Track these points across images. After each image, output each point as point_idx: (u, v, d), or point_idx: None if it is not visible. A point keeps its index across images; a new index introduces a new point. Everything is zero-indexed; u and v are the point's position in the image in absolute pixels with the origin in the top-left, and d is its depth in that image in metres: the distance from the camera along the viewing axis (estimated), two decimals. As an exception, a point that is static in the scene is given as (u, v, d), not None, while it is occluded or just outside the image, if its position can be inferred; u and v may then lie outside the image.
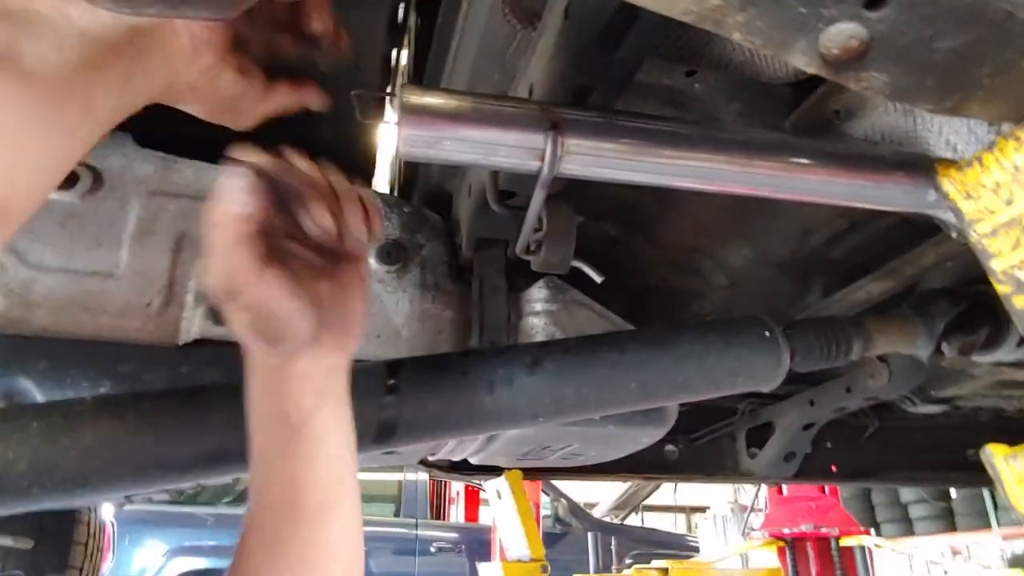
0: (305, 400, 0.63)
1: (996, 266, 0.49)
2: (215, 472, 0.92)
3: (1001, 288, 0.49)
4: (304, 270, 0.62)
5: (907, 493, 7.07)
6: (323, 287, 0.64)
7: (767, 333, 1.13)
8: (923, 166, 0.93)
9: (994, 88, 0.44)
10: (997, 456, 0.46)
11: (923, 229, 1.27)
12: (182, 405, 0.90)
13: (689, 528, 10.99)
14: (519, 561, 2.26)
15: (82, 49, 0.45)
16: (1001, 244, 0.49)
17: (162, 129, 1.23)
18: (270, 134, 0.92)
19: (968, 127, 0.85)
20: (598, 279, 1.08)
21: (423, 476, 6.80)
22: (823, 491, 4.27)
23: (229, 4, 0.38)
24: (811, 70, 0.44)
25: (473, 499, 8.27)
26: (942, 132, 1.02)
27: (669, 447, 2.06)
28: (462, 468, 1.75)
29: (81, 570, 1.89)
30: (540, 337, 1.26)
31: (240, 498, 5.99)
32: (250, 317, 0.60)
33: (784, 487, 4.39)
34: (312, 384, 0.64)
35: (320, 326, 0.63)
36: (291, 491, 0.63)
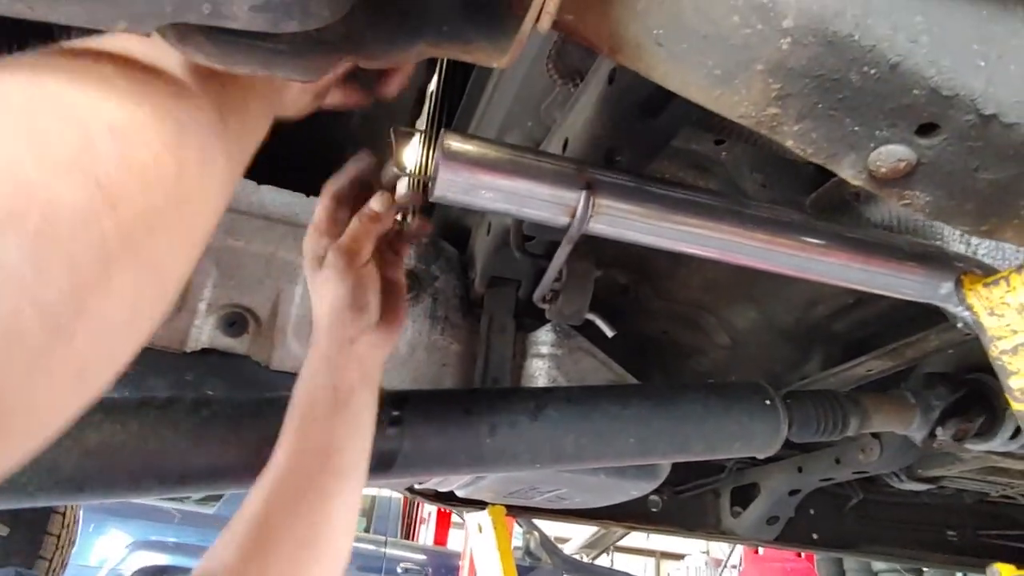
0: (354, 377, 0.76)
1: (1014, 384, 0.51)
2: (210, 487, 0.92)
3: (1017, 405, 0.51)
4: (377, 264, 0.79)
5: (880, 563, 7.02)
6: (383, 283, 0.80)
7: (768, 401, 1.14)
8: (938, 259, 0.95)
9: (1030, 218, 0.46)
10: (1004, 576, 0.46)
11: (926, 311, 1.29)
12: (185, 417, 0.91)
13: (658, 573, 10.87)
14: (492, 597, 2.25)
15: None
16: (1021, 363, 0.50)
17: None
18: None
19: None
20: (610, 333, 1.10)
21: (397, 493, 6.73)
22: (799, 555, 4.25)
23: (315, 69, 0.40)
24: (856, 183, 0.46)
25: (444, 522, 8.19)
26: (958, 226, 1.04)
27: (653, 497, 2.06)
28: (447, 498, 1.74)
29: (51, 561, 1.86)
30: (542, 380, 1.27)
31: (209, 497, 5.90)
32: (353, 284, 0.74)
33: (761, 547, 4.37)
34: (363, 365, 0.77)
35: (379, 316, 0.79)
36: (324, 455, 0.73)
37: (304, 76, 0.40)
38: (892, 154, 0.43)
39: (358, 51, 0.41)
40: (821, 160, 0.45)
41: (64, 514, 2.01)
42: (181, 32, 0.38)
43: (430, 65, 1.45)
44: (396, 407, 0.97)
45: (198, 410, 0.91)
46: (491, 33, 0.39)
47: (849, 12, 0.39)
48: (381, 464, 0.97)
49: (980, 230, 0.48)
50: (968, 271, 0.62)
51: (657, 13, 0.41)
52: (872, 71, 0.40)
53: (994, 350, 0.52)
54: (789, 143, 0.45)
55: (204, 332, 1.11)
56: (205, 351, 1.11)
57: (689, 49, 0.42)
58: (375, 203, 0.74)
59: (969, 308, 0.54)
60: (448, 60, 1.50)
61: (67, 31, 0.38)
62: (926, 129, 0.42)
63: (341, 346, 0.75)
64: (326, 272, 0.74)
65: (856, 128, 0.42)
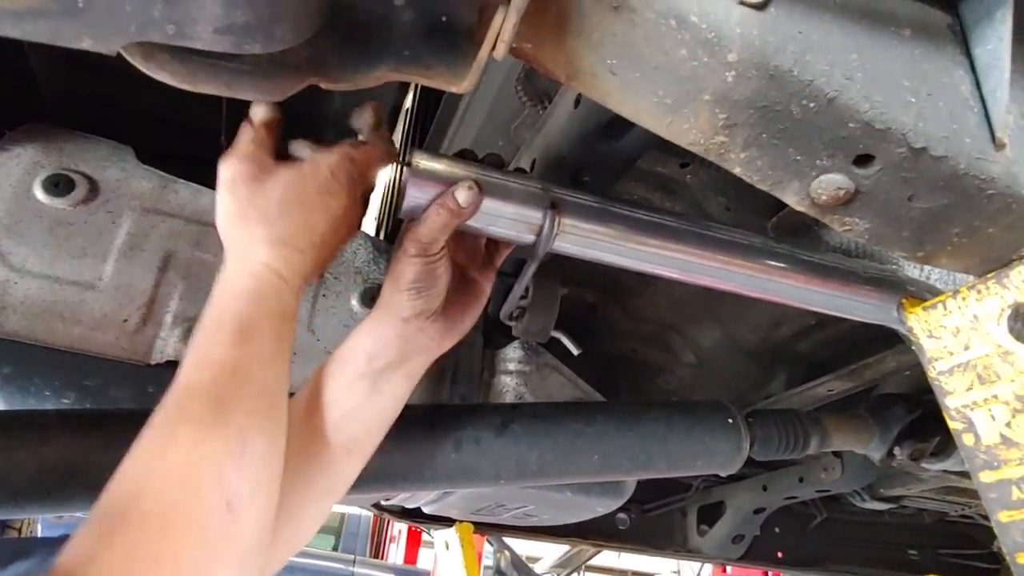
0: (392, 353, 0.75)
1: (950, 403, 0.53)
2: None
3: (953, 424, 0.53)
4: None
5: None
6: (455, 286, 0.80)
7: (730, 420, 1.16)
8: (891, 283, 0.98)
9: (961, 246, 0.49)
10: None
11: (885, 334, 1.33)
12: (148, 429, 0.90)
13: (629, 593, 10.81)
14: (459, 615, 2.23)
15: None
16: (956, 383, 0.53)
17: (163, 144, 1.25)
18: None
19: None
20: (575, 351, 1.11)
21: (367, 512, 6.64)
22: (765, 574, 4.28)
23: (276, 90, 0.41)
24: (800, 208, 0.48)
25: (414, 540, 8.08)
26: (911, 251, 1.08)
27: (621, 515, 2.07)
28: (414, 515, 1.73)
29: (4, 579, 1.79)
30: (510, 397, 1.27)
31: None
32: (420, 272, 0.73)
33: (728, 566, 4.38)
34: (406, 345, 0.76)
35: (440, 311, 0.77)
36: (337, 420, 0.75)
37: (267, 96, 0.41)
38: (832, 183, 0.45)
39: (321, 74, 0.42)
40: (767, 187, 0.48)
41: (19, 530, 1.95)
42: (146, 51, 0.39)
43: (404, 84, 1.46)
44: (361, 422, 0.97)
45: (160, 423, 0.90)
46: (450, 59, 0.40)
47: (789, 48, 0.41)
48: (345, 478, 0.96)
49: (916, 256, 0.51)
50: (909, 295, 0.65)
51: (611, 44, 0.43)
52: (811, 104, 0.42)
53: (932, 371, 0.54)
54: (737, 170, 0.47)
55: (169, 344, 1.10)
56: (170, 363, 1.10)
57: (641, 79, 0.44)
58: (460, 195, 0.74)
59: (910, 331, 0.56)
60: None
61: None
62: (863, 160, 0.44)
63: (393, 320, 0.75)
64: (397, 253, 0.75)
65: (798, 157, 0.45)
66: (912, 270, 1.09)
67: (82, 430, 0.86)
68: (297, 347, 1.15)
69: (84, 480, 0.84)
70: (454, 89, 0.42)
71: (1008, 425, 0.48)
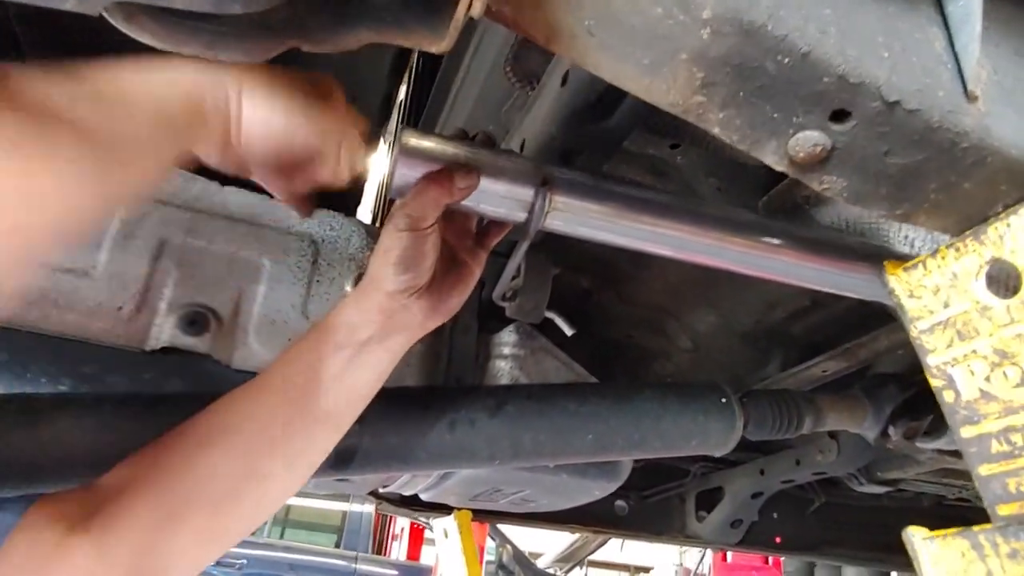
0: (374, 327, 0.74)
1: (931, 361, 0.54)
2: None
3: (935, 382, 0.54)
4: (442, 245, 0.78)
5: (850, 571, 7.10)
6: (444, 266, 0.79)
7: (723, 400, 1.17)
8: (883, 258, 0.99)
9: (939, 203, 0.49)
10: (917, 537, 0.49)
11: (879, 314, 1.34)
12: (143, 412, 0.91)
13: (631, 587, 10.87)
14: (459, 604, 2.24)
15: (149, 123, 0.52)
16: (937, 341, 0.53)
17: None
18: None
19: (924, 227, 0.92)
20: (569, 332, 1.12)
21: (368, 508, 6.66)
22: (766, 561, 4.29)
23: (258, 52, 0.42)
24: (779, 168, 0.49)
25: (417, 537, 8.10)
26: (901, 228, 1.09)
27: (619, 502, 2.08)
28: (412, 503, 1.74)
29: None
30: (505, 380, 1.28)
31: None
32: (408, 245, 0.73)
33: (729, 554, 4.40)
34: (389, 320, 0.75)
35: (426, 290, 0.77)
36: (307, 389, 0.74)
37: (246, 58, 0.41)
38: (808, 139, 0.46)
39: (301, 35, 0.42)
40: (746, 147, 0.48)
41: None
42: (127, 12, 0.39)
43: (396, 73, 1.47)
44: (356, 403, 0.98)
45: (157, 405, 0.91)
46: (428, 19, 0.41)
47: (763, 3, 0.42)
48: (341, 460, 0.97)
49: (895, 214, 0.51)
50: (890, 258, 0.66)
51: (589, 4, 0.44)
52: (786, 59, 0.42)
53: (914, 330, 0.55)
54: (716, 130, 0.48)
55: (164, 331, 1.10)
56: (166, 350, 1.11)
57: (619, 39, 0.45)
58: (458, 177, 0.74)
59: (891, 292, 0.57)
60: (414, 68, 1.53)
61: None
62: (839, 116, 0.45)
63: (378, 294, 0.75)
64: (387, 226, 0.75)
65: (775, 115, 0.45)
66: (902, 247, 1.10)
67: (77, 413, 0.87)
68: (292, 333, 1.16)
69: (80, 461, 0.85)
70: (434, 49, 0.43)
71: (987, 379, 0.49)
